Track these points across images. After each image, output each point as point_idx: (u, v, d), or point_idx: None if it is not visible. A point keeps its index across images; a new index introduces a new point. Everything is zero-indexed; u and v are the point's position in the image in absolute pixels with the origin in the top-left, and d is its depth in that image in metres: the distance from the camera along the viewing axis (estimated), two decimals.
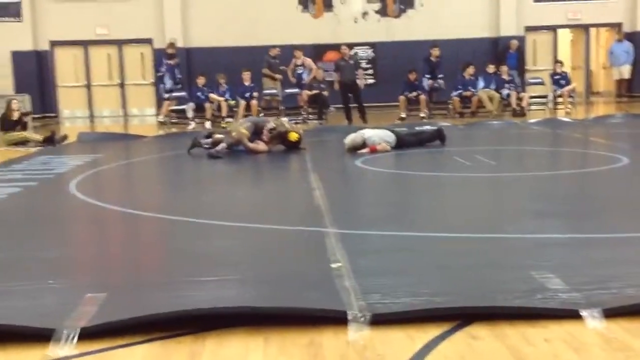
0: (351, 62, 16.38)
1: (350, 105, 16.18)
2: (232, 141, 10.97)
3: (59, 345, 3.37)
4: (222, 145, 10.87)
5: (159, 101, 17.73)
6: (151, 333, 3.50)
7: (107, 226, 6.51)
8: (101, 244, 5.77)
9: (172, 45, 18.44)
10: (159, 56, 18.52)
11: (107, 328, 3.49)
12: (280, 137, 11.04)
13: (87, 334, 3.44)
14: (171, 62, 18.03)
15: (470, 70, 17.26)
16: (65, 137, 13.66)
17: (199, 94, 16.71)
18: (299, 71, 17.61)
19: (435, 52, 17.72)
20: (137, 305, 3.80)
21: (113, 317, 3.58)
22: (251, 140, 10.98)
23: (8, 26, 19.87)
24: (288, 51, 17.85)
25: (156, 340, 3.46)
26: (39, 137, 13.32)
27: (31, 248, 5.35)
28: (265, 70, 17.54)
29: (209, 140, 11.15)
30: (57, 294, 4.09)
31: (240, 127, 11.15)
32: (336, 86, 16.42)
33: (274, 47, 17.86)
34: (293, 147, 11.03)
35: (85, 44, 20.42)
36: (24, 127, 13.54)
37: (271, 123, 11.11)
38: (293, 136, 11.04)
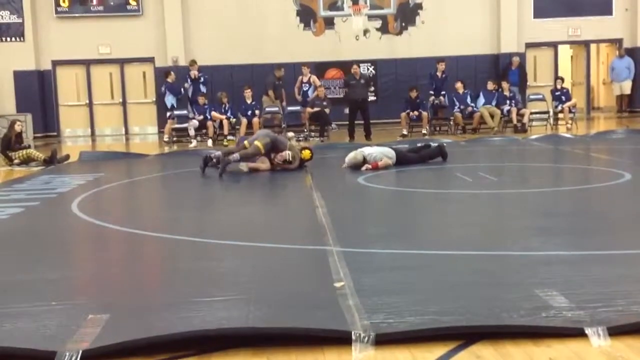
0: (362, 81, 16.46)
1: (356, 122, 16.22)
2: (246, 153, 10.92)
3: None
4: (235, 156, 10.83)
5: (164, 120, 17.68)
6: (155, 355, 3.47)
7: (110, 246, 6.48)
8: (104, 265, 5.73)
9: (193, 62, 18.39)
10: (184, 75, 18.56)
11: (110, 350, 3.47)
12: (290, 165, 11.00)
13: (90, 357, 3.41)
14: (169, 80, 18.06)
15: (458, 84, 17.34)
16: (67, 157, 13.65)
17: (201, 112, 16.71)
18: (305, 88, 17.64)
19: (441, 66, 17.86)
20: (140, 327, 3.78)
21: (116, 338, 3.56)
22: (265, 155, 10.99)
23: (10, 46, 19.98)
24: (290, 69, 17.87)
25: None
26: (41, 155, 13.32)
27: (33, 269, 5.33)
28: (270, 93, 17.54)
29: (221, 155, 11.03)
30: (59, 316, 4.06)
31: (258, 141, 11.07)
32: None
33: (279, 66, 17.88)
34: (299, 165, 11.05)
35: (87, 63, 20.53)
36: (20, 142, 13.56)
37: (288, 153, 10.96)
38: (306, 154, 11.07)
